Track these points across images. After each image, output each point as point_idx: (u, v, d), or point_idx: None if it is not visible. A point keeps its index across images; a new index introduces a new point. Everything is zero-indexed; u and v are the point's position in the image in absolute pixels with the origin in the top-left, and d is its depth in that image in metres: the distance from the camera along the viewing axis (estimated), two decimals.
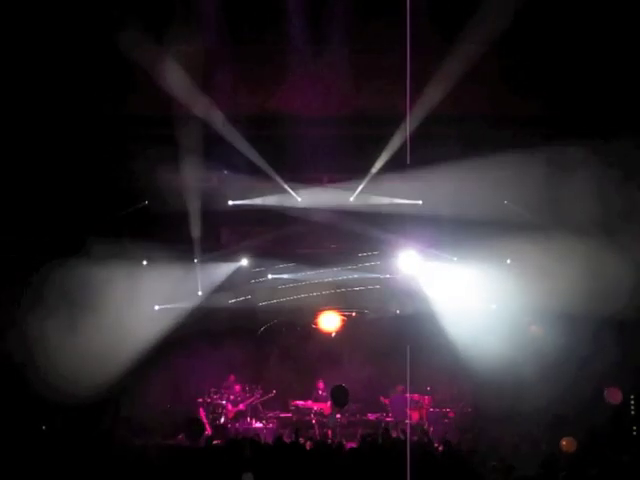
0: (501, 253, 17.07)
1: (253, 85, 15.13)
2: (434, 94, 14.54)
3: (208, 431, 17.62)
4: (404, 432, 15.94)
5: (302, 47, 14.49)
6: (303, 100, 15.29)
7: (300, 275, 20.34)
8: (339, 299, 20.80)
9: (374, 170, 16.78)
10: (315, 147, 16.01)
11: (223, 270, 19.43)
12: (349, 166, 17.23)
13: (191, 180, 16.50)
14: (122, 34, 13.46)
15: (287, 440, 13.45)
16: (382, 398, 18.95)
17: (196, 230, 17.78)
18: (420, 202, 17.76)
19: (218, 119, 15.16)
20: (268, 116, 15.58)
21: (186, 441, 15.58)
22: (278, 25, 14.24)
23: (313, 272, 20.21)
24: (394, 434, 16.46)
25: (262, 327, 20.58)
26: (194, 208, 17.30)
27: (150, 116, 15.31)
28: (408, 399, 18.65)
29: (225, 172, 17.10)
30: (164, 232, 17.56)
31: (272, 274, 20.31)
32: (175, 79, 14.22)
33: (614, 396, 10.18)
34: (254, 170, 16.83)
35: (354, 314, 20.86)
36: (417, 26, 13.92)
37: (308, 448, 13.01)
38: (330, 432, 17.76)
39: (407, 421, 18.31)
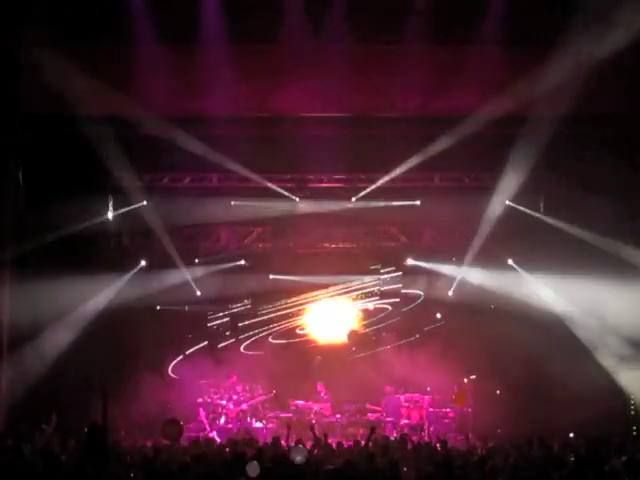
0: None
1: (253, 85, 15.12)
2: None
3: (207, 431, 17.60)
4: (404, 433, 15.90)
5: (302, 46, 14.51)
6: (304, 100, 15.29)
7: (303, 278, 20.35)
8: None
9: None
10: (315, 147, 16.00)
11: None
12: (358, 167, 17.29)
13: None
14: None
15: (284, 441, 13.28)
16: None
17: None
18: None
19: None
20: (268, 116, 15.58)
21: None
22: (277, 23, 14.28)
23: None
24: (394, 435, 16.47)
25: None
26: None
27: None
28: (401, 398, 18.63)
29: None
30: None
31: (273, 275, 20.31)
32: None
33: None
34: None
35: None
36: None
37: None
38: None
39: (405, 421, 18.32)
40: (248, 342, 20.27)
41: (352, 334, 20.64)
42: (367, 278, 20.54)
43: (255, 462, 9.44)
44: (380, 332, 20.45)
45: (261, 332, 20.42)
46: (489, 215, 17.50)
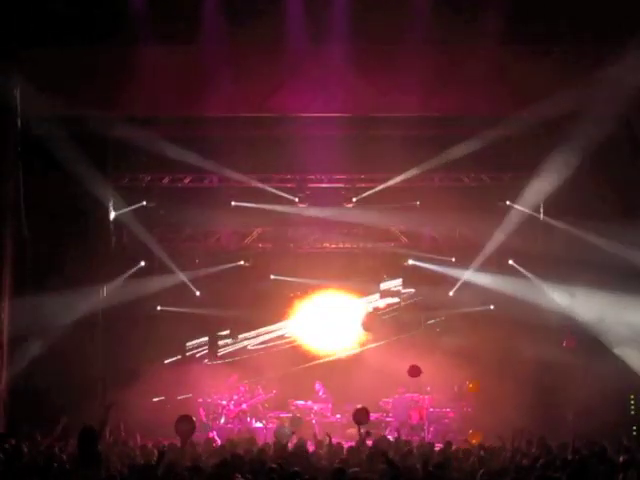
0: None
1: (253, 85, 15.12)
2: None
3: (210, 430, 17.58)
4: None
5: (302, 46, 14.51)
6: (304, 100, 15.30)
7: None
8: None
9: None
10: (315, 147, 16.02)
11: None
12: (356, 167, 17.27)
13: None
14: None
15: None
16: (382, 403, 18.88)
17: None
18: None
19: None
20: (268, 116, 15.58)
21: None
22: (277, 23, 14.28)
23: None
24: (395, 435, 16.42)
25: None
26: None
27: None
28: (409, 401, 18.60)
29: None
30: None
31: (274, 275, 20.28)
32: None
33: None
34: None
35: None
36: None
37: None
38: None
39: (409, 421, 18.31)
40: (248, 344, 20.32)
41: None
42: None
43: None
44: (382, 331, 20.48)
45: (261, 335, 20.43)
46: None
